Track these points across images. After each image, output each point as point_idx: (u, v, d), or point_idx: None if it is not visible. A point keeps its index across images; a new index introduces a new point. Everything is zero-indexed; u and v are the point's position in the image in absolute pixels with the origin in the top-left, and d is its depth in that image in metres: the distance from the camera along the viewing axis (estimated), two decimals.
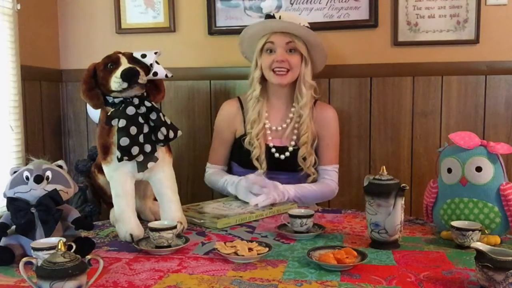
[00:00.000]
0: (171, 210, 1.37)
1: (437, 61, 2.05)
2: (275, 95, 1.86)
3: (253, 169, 1.79)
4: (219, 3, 2.18)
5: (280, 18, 1.78)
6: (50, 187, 1.15)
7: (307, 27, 1.79)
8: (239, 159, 1.88)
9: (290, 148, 1.82)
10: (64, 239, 0.95)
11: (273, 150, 1.82)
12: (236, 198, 1.75)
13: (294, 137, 1.83)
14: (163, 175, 1.39)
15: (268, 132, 1.84)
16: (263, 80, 1.83)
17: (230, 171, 1.97)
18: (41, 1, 2.22)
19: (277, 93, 1.85)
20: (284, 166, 1.82)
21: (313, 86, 1.83)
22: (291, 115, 1.84)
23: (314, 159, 1.83)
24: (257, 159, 1.80)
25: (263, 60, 1.80)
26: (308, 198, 1.78)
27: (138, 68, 1.28)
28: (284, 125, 1.84)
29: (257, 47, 1.82)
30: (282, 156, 1.81)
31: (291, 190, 1.72)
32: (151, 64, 1.33)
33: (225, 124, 1.90)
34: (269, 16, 1.82)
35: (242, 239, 1.25)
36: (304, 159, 1.81)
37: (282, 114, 1.86)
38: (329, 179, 1.85)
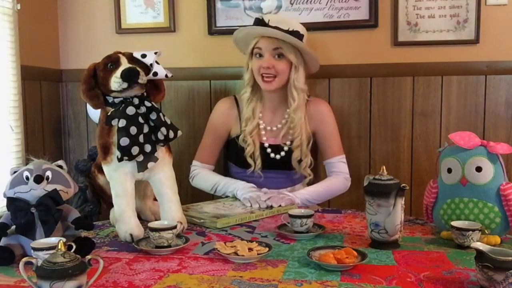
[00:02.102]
0: (171, 210, 1.37)
1: (437, 61, 2.05)
2: (268, 96, 1.86)
3: (249, 167, 1.80)
4: (219, 3, 2.18)
5: (269, 21, 1.75)
6: (50, 187, 1.15)
7: (297, 31, 1.75)
8: (236, 158, 1.87)
9: (286, 148, 1.82)
10: (64, 239, 0.96)
11: (269, 150, 1.82)
12: (236, 198, 1.75)
13: (290, 137, 1.82)
14: (163, 175, 1.39)
15: (263, 132, 1.84)
16: (254, 81, 1.83)
17: (227, 172, 1.96)
18: (41, 1, 2.22)
19: (269, 95, 1.85)
20: (280, 166, 1.83)
21: (305, 90, 1.82)
22: (286, 116, 1.84)
23: (310, 160, 1.82)
24: (251, 156, 1.80)
25: (252, 64, 1.80)
26: (317, 200, 1.78)
27: (138, 68, 1.28)
28: (279, 126, 1.84)
29: (248, 50, 1.81)
30: (278, 156, 1.81)
31: (296, 198, 1.71)
32: (151, 64, 1.33)
33: (220, 121, 1.89)
34: (258, 20, 1.79)
35: (242, 239, 1.25)
36: (299, 161, 1.81)
37: (276, 115, 1.86)
38: (336, 171, 1.85)
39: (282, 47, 1.74)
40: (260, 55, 1.78)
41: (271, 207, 1.60)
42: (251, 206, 1.61)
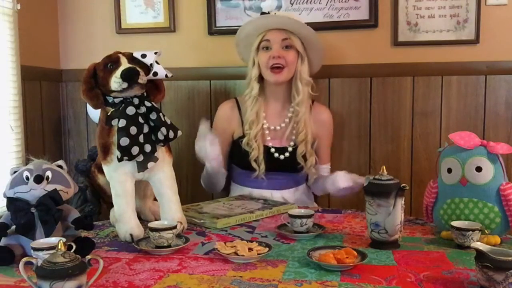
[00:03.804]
0: (171, 210, 1.37)
1: (437, 61, 2.05)
2: (272, 94, 1.86)
3: (253, 170, 1.79)
4: (219, 3, 2.18)
5: (275, 15, 1.78)
6: (50, 187, 1.15)
7: (303, 24, 1.78)
8: (239, 160, 1.87)
9: (290, 149, 1.81)
10: (64, 239, 0.95)
11: (273, 150, 1.81)
12: (236, 198, 1.75)
13: (293, 137, 1.82)
14: (163, 175, 1.39)
15: (267, 132, 1.84)
16: (260, 79, 1.83)
17: (230, 173, 1.96)
18: (41, 1, 2.22)
19: (275, 92, 1.85)
20: (284, 167, 1.82)
21: (310, 83, 1.83)
22: (289, 114, 1.84)
23: (315, 159, 1.83)
24: (255, 160, 1.79)
25: (260, 58, 1.80)
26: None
27: (138, 68, 1.28)
28: (283, 125, 1.84)
29: (253, 45, 1.81)
30: (282, 156, 1.81)
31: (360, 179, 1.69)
32: (151, 64, 1.33)
33: (223, 125, 1.90)
34: (264, 14, 1.81)
35: (242, 239, 1.25)
36: (304, 157, 1.80)
37: (280, 114, 1.86)
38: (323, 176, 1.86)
39: (290, 37, 1.77)
40: (268, 48, 1.79)
41: (271, 207, 1.60)
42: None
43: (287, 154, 1.81)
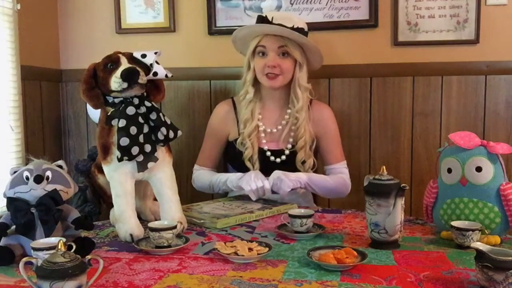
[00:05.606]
0: (171, 210, 1.37)
1: (437, 61, 2.05)
2: (269, 97, 1.82)
3: (248, 170, 1.73)
4: (219, 3, 2.18)
5: (272, 19, 1.71)
6: (50, 187, 1.15)
7: (301, 28, 1.72)
8: (234, 161, 1.85)
9: (287, 152, 1.77)
10: (64, 239, 0.95)
11: (268, 153, 1.78)
12: (236, 198, 1.75)
13: (291, 140, 1.79)
14: (163, 175, 1.39)
15: (263, 135, 1.80)
16: (256, 82, 1.79)
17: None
18: (41, 1, 2.22)
19: (271, 95, 1.81)
20: (280, 169, 1.80)
21: (308, 89, 1.79)
22: (286, 116, 1.80)
23: (313, 161, 1.79)
24: (249, 160, 1.76)
25: (255, 63, 1.76)
26: (322, 187, 1.74)
27: (138, 68, 1.28)
28: (280, 127, 1.80)
29: (249, 49, 1.77)
30: (278, 160, 1.77)
31: (303, 176, 1.69)
32: (151, 64, 1.33)
33: (218, 125, 1.87)
34: (261, 18, 1.75)
35: (242, 239, 1.25)
36: (303, 162, 1.77)
37: (277, 116, 1.82)
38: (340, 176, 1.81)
39: (287, 45, 1.71)
40: (263, 54, 1.74)
41: (271, 207, 1.59)
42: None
43: (283, 157, 1.77)
